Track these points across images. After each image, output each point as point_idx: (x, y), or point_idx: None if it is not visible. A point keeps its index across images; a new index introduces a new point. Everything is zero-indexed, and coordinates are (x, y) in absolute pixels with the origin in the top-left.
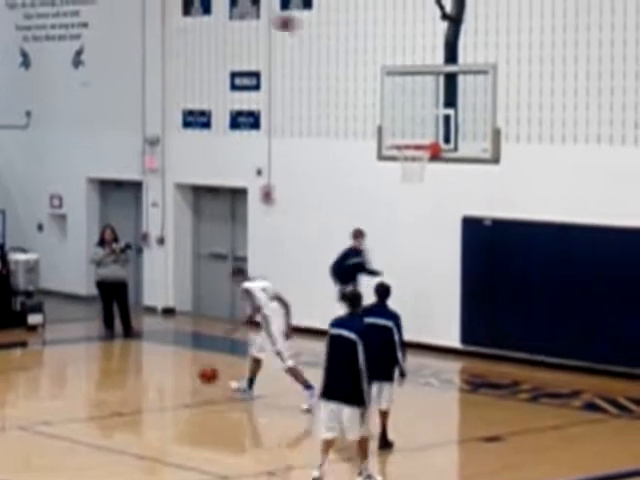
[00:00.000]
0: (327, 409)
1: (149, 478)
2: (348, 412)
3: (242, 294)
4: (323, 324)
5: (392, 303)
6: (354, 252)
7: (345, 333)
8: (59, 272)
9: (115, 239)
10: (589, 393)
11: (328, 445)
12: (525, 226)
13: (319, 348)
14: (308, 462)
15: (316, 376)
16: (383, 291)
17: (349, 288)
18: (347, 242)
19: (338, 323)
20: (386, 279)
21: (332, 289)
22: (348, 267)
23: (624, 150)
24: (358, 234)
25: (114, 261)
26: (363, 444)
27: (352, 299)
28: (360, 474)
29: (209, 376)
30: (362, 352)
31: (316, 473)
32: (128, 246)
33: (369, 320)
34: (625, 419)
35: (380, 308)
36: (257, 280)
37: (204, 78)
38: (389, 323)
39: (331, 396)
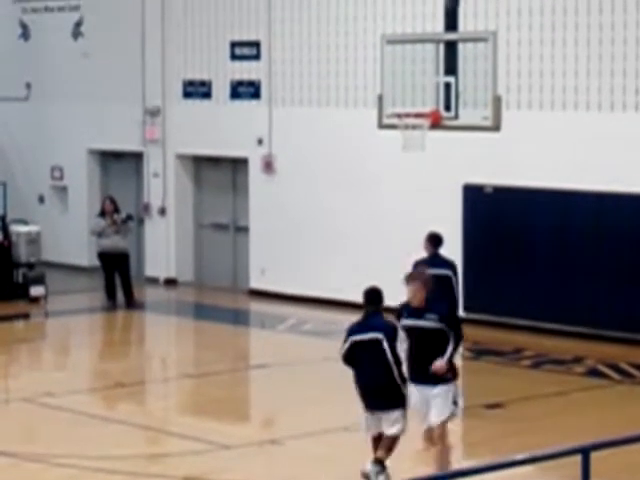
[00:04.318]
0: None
1: (153, 448)
2: (397, 415)
3: None
4: (324, 293)
5: (394, 273)
6: None
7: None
8: (61, 244)
9: (116, 210)
10: (592, 359)
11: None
12: (526, 193)
13: (323, 317)
14: (310, 431)
15: (322, 347)
16: (437, 240)
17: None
18: (347, 213)
19: (429, 262)
20: (386, 248)
21: (331, 257)
22: None
23: (625, 116)
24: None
25: (115, 232)
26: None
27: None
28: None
29: None
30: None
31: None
32: (129, 217)
33: (356, 337)
34: (627, 385)
35: (437, 258)
36: None
37: (204, 48)
38: (449, 272)
39: None
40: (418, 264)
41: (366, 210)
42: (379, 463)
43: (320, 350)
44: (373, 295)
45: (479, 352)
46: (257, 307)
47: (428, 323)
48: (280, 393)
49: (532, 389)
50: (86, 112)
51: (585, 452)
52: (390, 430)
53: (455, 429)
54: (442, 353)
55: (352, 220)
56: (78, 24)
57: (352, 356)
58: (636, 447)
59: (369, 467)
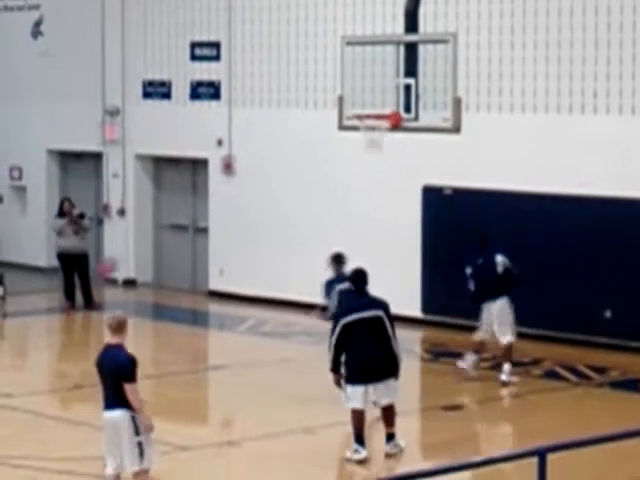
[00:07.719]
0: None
1: None
2: (393, 384)
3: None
4: (283, 294)
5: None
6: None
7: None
8: (19, 244)
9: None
10: (549, 361)
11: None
12: (485, 195)
13: (282, 318)
14: (269, 432)
15: (281, 348)
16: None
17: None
18: (307, 214)
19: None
20: (346, 250)
21: (291, 259)
22: None
23: (583, 119)
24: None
25: (74, 232)
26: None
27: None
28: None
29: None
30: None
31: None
32: (82, 215)
33: (354, 316)
34: (585, 387)
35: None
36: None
37: (164, 48)
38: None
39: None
40: (329, 283)
41: (326, 211)
42: (392, 437)
43: (279, 352)
44: (362, 275)
45: (437, 354)
46: (216, 308)
47: None
48: (238, 394)
49: (490, 391)
50: (45, 112)
51: (541, 454)
52: (386, 399)
53: (413, 431)
54: None
55: (311, 221)
56: (38, 23)
57: (346, 335)
58: (592, 449)
59: (388, 448)
